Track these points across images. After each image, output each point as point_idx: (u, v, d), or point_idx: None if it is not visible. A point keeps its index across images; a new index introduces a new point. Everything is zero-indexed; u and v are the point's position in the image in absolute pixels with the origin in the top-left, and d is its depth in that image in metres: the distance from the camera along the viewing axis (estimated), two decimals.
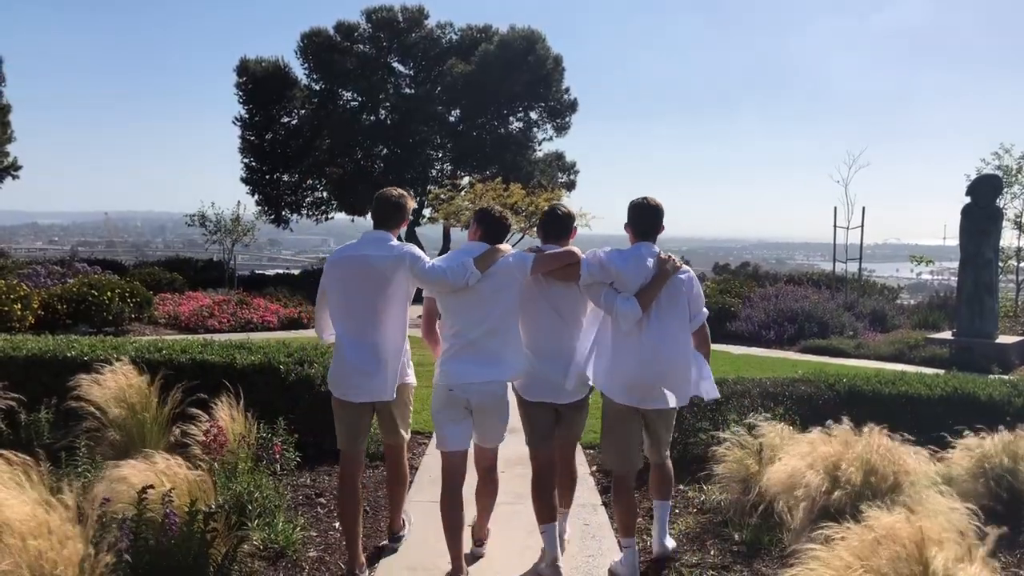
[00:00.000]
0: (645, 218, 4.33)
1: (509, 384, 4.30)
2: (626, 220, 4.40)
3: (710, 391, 4.43)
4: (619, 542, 4.45)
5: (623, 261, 4.17)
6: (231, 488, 4.74)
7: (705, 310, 4.39)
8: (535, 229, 14.31)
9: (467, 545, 4.46)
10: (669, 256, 4.24)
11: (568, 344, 4.34)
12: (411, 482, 5.94)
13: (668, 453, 4.61)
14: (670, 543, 4.59)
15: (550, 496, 4.35)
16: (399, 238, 4.34)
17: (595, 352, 4.37)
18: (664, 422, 4.45)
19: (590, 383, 4.47)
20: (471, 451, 4.38)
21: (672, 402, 4.29)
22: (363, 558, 4.31)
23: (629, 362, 4.15)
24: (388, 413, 4.45)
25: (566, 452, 4.60)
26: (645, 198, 4.37)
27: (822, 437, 4.64)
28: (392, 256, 4.17)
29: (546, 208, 4.77)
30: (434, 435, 5.57)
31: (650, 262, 4.16)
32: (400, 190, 4.50)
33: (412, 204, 4.53)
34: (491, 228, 4.34)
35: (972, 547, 3.04)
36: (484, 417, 4.22)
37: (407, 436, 4.65)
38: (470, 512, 4.54)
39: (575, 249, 4.28)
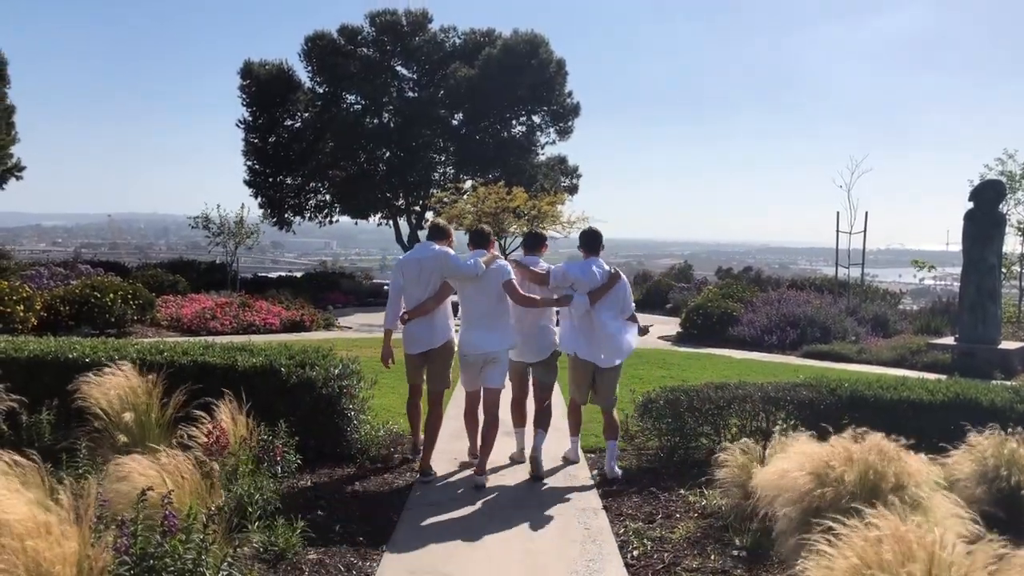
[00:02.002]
0: (592, 242, 6.57)
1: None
2: (579, 244, 6.69)
3: (632, 343, 6.44)
4: (570, 438, 6.78)
5: (578, 270, 6.36)
6: (232, 490, 4.74)
7: (633, 304, 6.59)
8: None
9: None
10: (616, 271, 6.43)
11: (536, 324, 6.45)
12: (411, 486, 5.95)
13: (613, 405, 6.46)
14: (617, 471, 6.28)
15: (521, 412, 6.73)
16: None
17: (561, 328, 6.57)
18: (605, 377, 6.40)
19: (552, 349, 6.50)
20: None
21: (607, 364, 6.31)
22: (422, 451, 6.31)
23: (582, 335, 6.34)
24: (434, 363, 6.40)
25: (541, 393, 6.57)
26: (591, 227, 6.73)
27: (816, 441, 4.62)
28: (432, 254, 6.31)
29: (527, 231, 7.39)
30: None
31: (596, 271, 6.32)
32: (446, 223, 6.93)
33: (450, 230, 6.81)
34: (474, 237, 6.62)
35: (977, 552, 3.02)
36: (490, 370, 6.17)
37: (446, 386, 6.47)
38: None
39: (545, 266, 6.54)
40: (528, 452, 6.34)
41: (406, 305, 6.33)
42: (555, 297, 6.38)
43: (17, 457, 3.81)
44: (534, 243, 6.79)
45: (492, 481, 6.10)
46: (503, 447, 6.69)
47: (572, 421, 6.71)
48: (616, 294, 6.35)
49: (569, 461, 6.67)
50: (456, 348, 6.40)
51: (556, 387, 6.83)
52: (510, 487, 5.99)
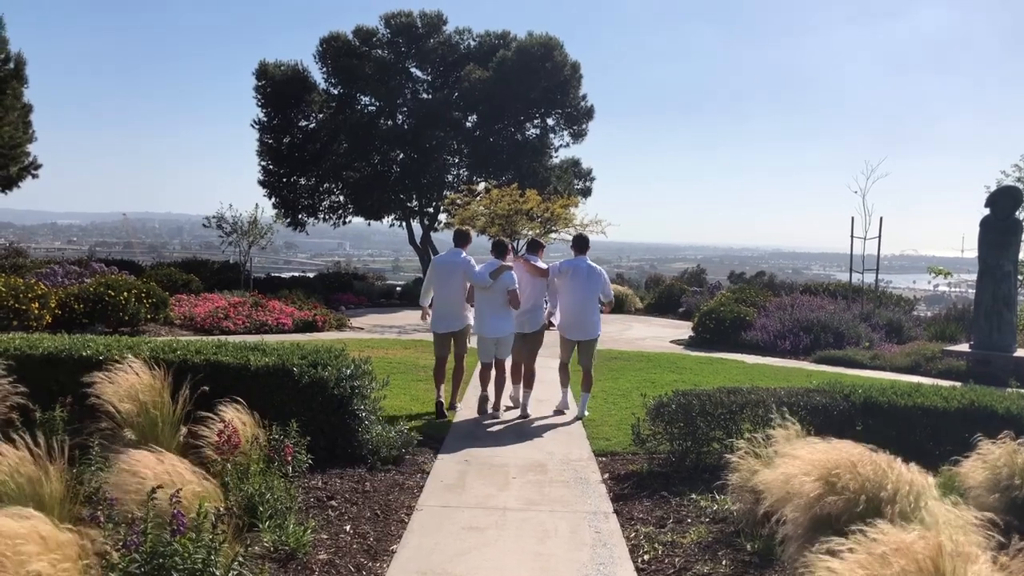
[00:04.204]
0: (580, 244, 9.10)
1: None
2: (571, 245, 9.37)
3: (597, 325, 8.85)
4: (560, 390, 9.01)
5: (570, 266, 8.85)
6: (243, 489, 4.75)
7: (611, 292, 9.30)
8: (551, 235, 15.56)
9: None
10: (600, 268, 9.00)
11: (533, 307, 8.76)
12: (422, 487, 5.95)
13: (590, 366, 8.78)
14: (586, 413, 8.58)
15: (517, 372, 8.81)
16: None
17: (558, 315, 8.92)
18: (584, 346, 8.81)
19: (542, 323, 8.84)
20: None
21: (586, 336, 8.77)
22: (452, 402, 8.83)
23: (568, 315, 8.79)
24: (457, 338, 8.81)
25: (528, 361, 8.75)
26: (580, 233, 9.72)
27: (822, 444, 4.58)
28: (458, 262, 8.65)
29: (531, 239, 9.63)
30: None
31: (581, 264, 8.82)
32: (467, 228, 9.63)
33: (472, 234, 9.60)
34: (494, 247, 8.87)
35: (990, 562, 2.99)
36: (501, 346, 8.58)
37: (466, 350, 8.91)
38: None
39: (543, 265, 8.88)
40: (522, 399, 8.71)
41: (433, 293, 8.80)
42: (523, 299, 8.64)
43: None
44: (534, 247, 9.23)
45: (502, 483, 6.09)
46: (506, 447, 6.65)
47: (561, 377, 9.05)
48: (596, 283, 8.79)
49: (559, 411, 8.77)
50: (473, 329, 8.82)
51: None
52: (523, 491, 5.98)
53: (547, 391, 9.50)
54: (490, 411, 8.54)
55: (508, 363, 8.78)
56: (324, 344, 7.32)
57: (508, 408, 8.82)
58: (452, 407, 8.67)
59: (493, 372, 8.66)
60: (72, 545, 3.26)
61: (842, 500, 3.99)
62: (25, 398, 5.86)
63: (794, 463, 4.40)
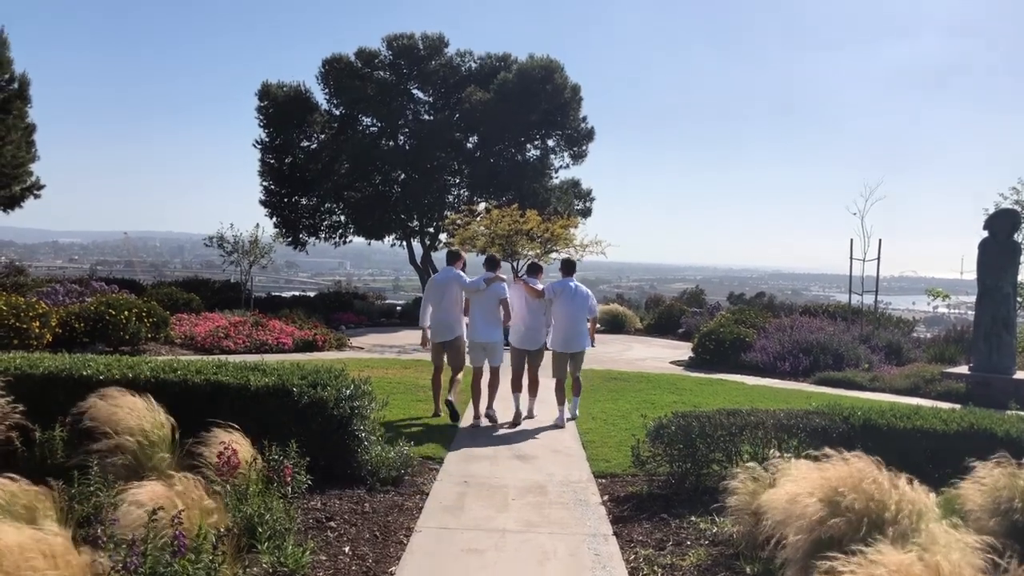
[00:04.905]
0: (568, 267, 10.14)
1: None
2: (560, 267, 10.37)
3: (585, 339, 9.77)
4: (557, 407, 9.43)
5: (560, 286, 9.71)
6: (242, 510, 4.75)
7: (596, 310, 10.20)
8: (551, 256, 15.79)
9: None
10: (586, 288, 9.93)
11: (536, 326, 9.61)
12: (421, 508, 5.94)
13: (579, 374, 9.86)
14: (576, 413, 9.64)
15: (519, 383, 9.51)
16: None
17: (550, 327, 9.73)
18: (575, 358, 9.74)
19: (543, 342, 9.68)
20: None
21: (575, 348, 9.66)
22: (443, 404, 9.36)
23: (560, 331, 9.64)
24: (451, 350, 9.53)
25: (533, 372, 9.67)
26: (568, 258, 10.88)
27: (823, 464, 4.57)
28: (451, 276, 9.47)
29: (531, 261, 11.07)
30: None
31: (570, 285, 9.73)
32: (458, 247, 12.59)
33: (464, 255, 10.04)
34: (487, 262, 9.84)
35: None
36: (490, 352, 9.40)
37: (462, 363, 9.57)
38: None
39: (539, 286, 9.64)
40: (524, 411, 9.48)
41: (432, 309, 9.48)
42: (516, 312, 9.60)
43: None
44: (534, 270, 10.09)
45: (502, 505, 6.09)
46: (506, 468, 6.64)
47: (558, 396, 9.50)
48: (584, 301, 9.72)
49: (556, 425, 9.22)
50: (466, 338, 9.53)
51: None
52: (521, 513, 5.97)
53: (545, 408, 9.58)
54: (482, 416, 9.20)
55: (504, 371, 9.56)
56: (324, 364, 7.33)
57: (513, 420, 9.33)
58: (447, 403, 9.30)
59: (485, 379, 9.37)
60: (80, 564, 3.26)
61: (844, 522, 3.99)
62: (25, 418, 5.87)
63: (798, 482, 4.39)
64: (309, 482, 5.72)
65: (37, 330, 13.30)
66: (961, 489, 5.12)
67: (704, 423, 6.47)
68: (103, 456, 5.32)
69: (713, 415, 6.66)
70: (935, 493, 4.46)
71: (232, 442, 5.31)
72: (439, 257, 31.67)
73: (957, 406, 7.96)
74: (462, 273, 9.54)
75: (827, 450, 4.59)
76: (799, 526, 4.11)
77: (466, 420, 9.27)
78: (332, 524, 5.47)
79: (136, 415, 5.58)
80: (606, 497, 6.40)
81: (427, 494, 6.30)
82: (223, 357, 7.78)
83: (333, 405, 6.33)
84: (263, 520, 4.72)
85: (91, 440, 5.56)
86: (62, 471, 5.06)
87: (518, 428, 9.05)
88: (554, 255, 21.96)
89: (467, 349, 9.60)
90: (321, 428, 6.30)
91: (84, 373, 6.53)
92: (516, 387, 9.50)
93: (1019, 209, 17.10)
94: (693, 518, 5.71)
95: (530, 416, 9.55)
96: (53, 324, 13.81)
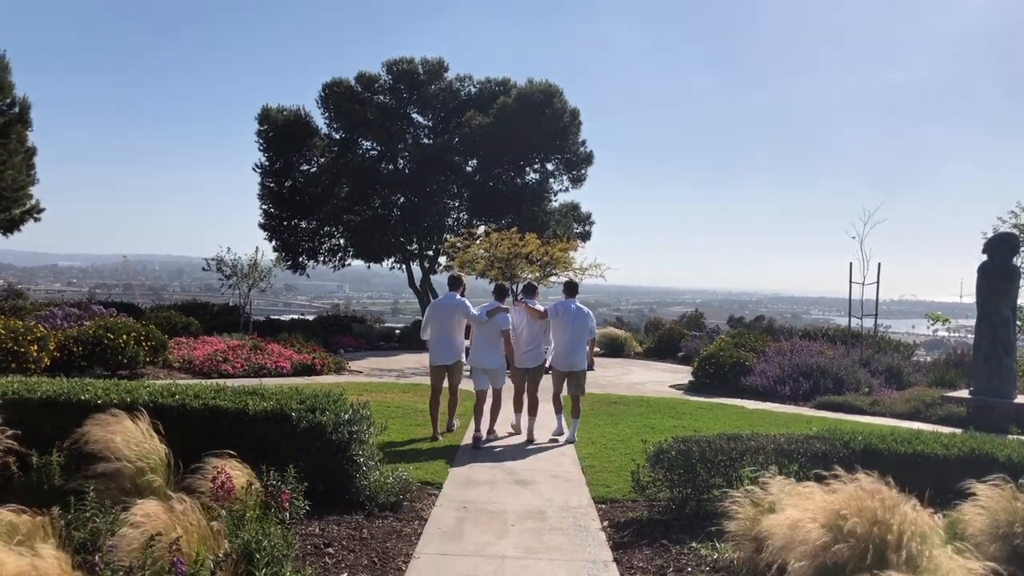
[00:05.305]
0: (571, 289, 10.41)
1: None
2: (563, 290, 10.59)
3: (583, 358, 10.01)
4: (555, 416, 10.01)
5: (563, 307, 10.02)
6: (239, 536, 4.71)
7: (596, 331, 10.37)
8: (550, 279, 15.76)
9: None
10: (587, 309, 10.18)
11: (536, 347, 9.91)
12: (420, 534, 5.90)
13: (579, 396, 9.93)
14: (575, 438, 9.62)
15: (520, 402, 9.92)
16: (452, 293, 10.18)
17: (550, 346, 9.97)
18: (574, 377, 9.93)
19: (543, 360, 9.97)
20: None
21: (574, 368, 9.89)
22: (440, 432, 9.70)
23: (560, 350, 9.92)
24: (452, 372, 9.86)
25: (532, 391, 9.90)
26: (571, 280, 11.02)
27: (826, 487, 4.55)
28: (455, 303, 9.78)
29: (527, 283, 11.10)
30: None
31: (572, 306, 10.01)
32: (460, 273, 11.54)
33: (463, 279, 10.30)
34: (496, 291, 10.27)
35: None
36: (493, 376, 9.71)
37: (459, 380, 9.97)
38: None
39: (540, 307, 10.00)
40: (524, 429, 9.84)
41: (432, 332, 9.80)
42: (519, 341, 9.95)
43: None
44: (530, 291, 10.48)
45: (501, 530, 6.05)
46: (505, 493, 6.61)
47: (555, 405, 10.08)
48: (584, 322, 9.96)
49: (554, 438, 9.76)
50: (467, 362, 9.93)
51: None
52: (521, 539, 5.93)
53: (545, 433, 9.56)
54: (484, 438, 9.45)
55: (506, 393, 9.95)
56: (323, 388, 7.31)
57: (511, 433, 9.99)
58: (449, 428, 9.91)
59: (488, 403, 9.71)
60: None
61: (848, 548, 3.96)
62: (22, 442, 5.84)
63: (800, 507, 4.37)
64: (307, 507, 5.69)
65: (35, 354, 13.27)
66: (963, 513, 5.10)
67: (704, 448, 6.45)
68: (100, 481, 5.29)
69: (713, 440, 6.64)
70: (938, 516, 4.44)
71: (229, 467, 5.29)
72: (438, 280, 31.70)
73: (958, 431, 7.95)
74: (467, 302, 9.84)
75: (833, 472, 4.57)
76: (801, 551, 4.08)
77: (466, 438, 9.54)
78: (330, 550, 5.44)
79: (133, 441, 5.55)
80: (606, 523, 6.36)
81: (426, 520, 6.26)
82: (221, 381, 7.76)
83: (332, 430, 6.31)
84: (261, 546, 4.68)
85: (89, 465, 5.53)
86: (59, 496, 5.02)
87: (517, 453, 8.96)
88: (553, 278, 21.97)
89: (470, 373, 9.88)
90: (320, 453, 6.28)
91: (82, 397, 6.51)
92: (518, 406, 9.94)
93: (1017, 233, 17.14)
94: (694, 544, 5.68)
95: (530, 440, 9.65)
96: (51, 348, 13.78)
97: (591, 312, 10.26)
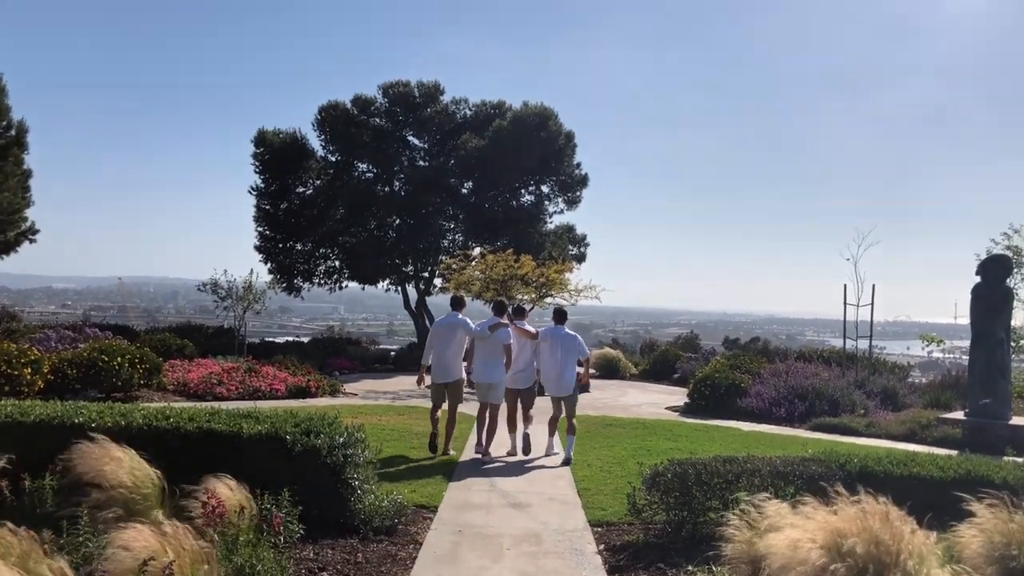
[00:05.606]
0: (560, 316, 10.64)
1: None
2: (552, 316, 10.88)
3: (572, 381, 10.21)
4: (548, 439, 10.39)
5: (552, 333, 10.37)
6: (232, 560, 4.69)
7: (587, 351, 10.73)
8: (545, 300, 18.28)
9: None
10: (577, 335, 10.45)
11: (528, 367, 10.33)
12: (415, 558, 5.87)
13: (572, 415, 10.21)
14: (572, 456, 9.79)
15: (513, 421, 10.18)
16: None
17: (540, 369, 10.39)
18: (564, 400, 10.24)
19: (534, 381, 10.39)
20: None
21: (562, 393, 10.21)
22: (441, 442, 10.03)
23: (550, 375, 10.21)
24: (451, 390, 10.20)
25: (525, 411, 10.23)
26: (560, 307, 11.16)
27: (825, 508, 4.53)
28: (457, 321, 10.23)
29: (515, 305, 11.50)
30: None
31: (560, 332, 10.32)
32: (462, 294, 12.22)
33: (465, 299, 10.91)
34: (494, 307, 10.69)
35: None
36: (492, 391, 10.06)
37: (460, 400, 10.31)
38: None
39: (532, 329, 10.39)
40: (519, 445, 10.11)
41: (433, 352, 10.23)
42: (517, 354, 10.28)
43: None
44: (519, 313, 10.86)
45: (496, 555, 6.02)
46: (500, 516, 6.57)
47: (550, 427, 10.58)
48: (573, 346, 10.27)
49: (547, 454, 10.14)
50: (465, 379, 10.37)
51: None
52: (516, 563, 5.90)
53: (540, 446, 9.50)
54: (482, 454, 9.89)
55: (501, 412, 10.24)
56: (317, 411, 7.30)
57: (508, 453, 10.14)
58: (445, 453, 10.00)
59: (487, 416, 10.07)
60: None
61: (846, 568, 3.94)
62: (15, 466, 5.81)
63: (800, 528, 4.35)
64: (302, 531, 5.66)
65: (29, 377, 13.21)
66: (959, 535, 5.09)
67: (700, 470, 6.44)
68: (93, 506, 5.26)
69: (709, 462, 6.63)
70: (935, 538, 4.42)
71: (223, 490, 5.26)
72: (434, 302, 31.69)
73: (954, 452, 7.96)
74: (468, 319, 10.30)
75: (830, 492, 4.56)
76: (800, 572, 4.06)
77: (464, 456, 10.02)
78: (324, 574, 5.40)
79: (126, 465, 5.52)
80: (602, 546, 6.33)
81: (421, 543, 6.23)
82: (216, 404, 7.76)
83: (326, 453, 6.29)
84: (254, 570, 4.66)
85: (81, 489, 5.50)
86: (52, 520, 4.99)
87: (513, 476, 8.97)
88: (549, 300, 21.96)
89: (473, 388, 10.51)
90: (314, 476, 6.25)
91: (76, 421, 6.49)
92: (511, 426, 10.23)
93: (1010, 255, 17.22)
94: (690, 567, 5.65)
95: (526, 451, 10.03)
96: (45, 371, 13.73)
97: (579, 336, 10.59)
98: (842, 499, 4.49)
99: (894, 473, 6.44)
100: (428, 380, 10.47)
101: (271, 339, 30.55)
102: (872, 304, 17.84)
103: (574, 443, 10.05)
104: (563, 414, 10.33)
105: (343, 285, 32.61)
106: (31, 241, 23.57)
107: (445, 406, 10.31)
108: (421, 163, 31.27)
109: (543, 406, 10.89)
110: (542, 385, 10.54)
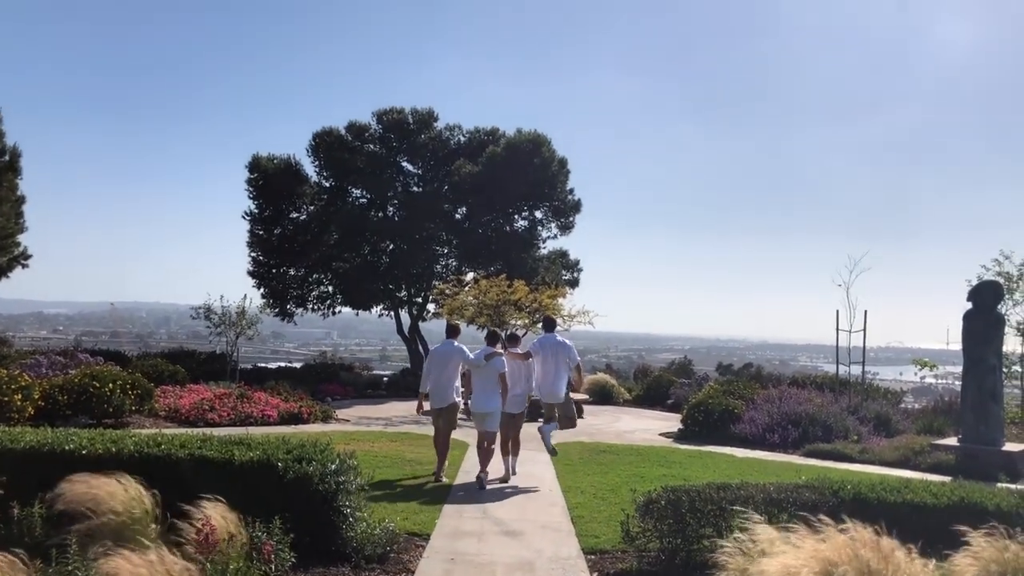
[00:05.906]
0: (548, 324, 11.40)
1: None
2: (541, 325, 11.68)
3: (562, 389, 10.68)
4: (544, 445, 11.05)
5: (543, 342, 10.83)
6: None
7: (578, 359, 10.94)
8: (538, 325, 15.69)
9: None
10: (566, 341, 10.94)
11: (525, 392, 10.72)
12: None
13: (569, 417, 10.96)
14: (552, 446, 11.02)
15: (505, 447, 10.42)
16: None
17: (535, 383, 10.75)
18: (559, 406, 10.74)
19: (525, 406, 10.84)
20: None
21: (555, 400, 10.69)
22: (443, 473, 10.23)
23: (545, 383, 10.67)
24: (447, 415, 10.49)
25: (515, 434, 10.55)
26: (548, 315, 15.05)
27: (817, 536, 4.53)
28: (453, 349, 10.50)
29: (509, 332, 13.55)
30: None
31: (552, 341, 10.77)
32: (457, 322, 13.69)
33: (460, 327, 11.39)
34: (488, 336, 10.81)
35: None
36: (488, 420, 10.08)
37: (455, 426, 10.74)
38: None
39: (523, 350, 10.83)
40: (508, 469, 10.40)
41: (431, 378, 10.45)
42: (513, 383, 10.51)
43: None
44: (513, 340, 11.32)
45: None
46: (493, 544, 6.53)
47: (512, 447, 10.70)
48: (564, 352, 10.66)
49: (548, 454, 11.14)
50: (461, 406, 10.65)
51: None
52: None
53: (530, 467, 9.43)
54: (480, 480, 9.92)
55: (496, 439, 10.39)
56: (310, 437, 7.27)
57: (501, 479, 10.24)
58: (437, 479, 10.16)
59: (485, 444, 10.26)
60: None
61: None
62: (4, 493, 5.76)
63: (794, 554, 4.34)
64: (293, 559, 5.62)
65: (19, 403, 13.13)
66: (954, 564, 5.08)
67: (694, 497, 6.43)
68: (83, 533, 5.21)
69: (703, 489, 6.61)
70: (930, 566, 4.42)
71: (214, 517, 5.22)
72: (427, 328, 31.67)
73: (947, 479, 7.96)
74: (464, 348, 10.55)
75: (823, 519, 4.56)
76: None
77: (458, 479, 10.17)
78: None
79: (117, 493, 5.48)
80: (595, 574, 6.31)
81: (413, 572, 6.20)
82: (208, 430, 7.72)
83: (318, 480, 6.25)
84: None
85: (71, 517, 5.45)
86: (40, 549, 4.95)
87: (506, 503, 8.96)
88: (540, 325, 21.93)
89: (468, 417, 10.80)
90: (306, 503, 6.21)
91: (66, 448, 6.45)
92: (504, 450, 10.50)
93: (1001, 281, 17.30)
94: None
95: (513, 473, 10.45)
96: (36, 397, 13.64)
97: (569, 342, 11.01)
98: (836, 527, 4.49)
99: (888, 500, 6.43)
100: (427, 406, 10.79)
101: (263, 364, 30.45)
102: (864, 330, 17.88)
103: (551, 432, 10.95)
104: (557, 414, 10.96)
105: (336, 310, 32.57)
106: (24, 266, 23.50)
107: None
108: (415, 189, 31.38)
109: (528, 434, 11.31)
110: (536, 395, 11.10)
